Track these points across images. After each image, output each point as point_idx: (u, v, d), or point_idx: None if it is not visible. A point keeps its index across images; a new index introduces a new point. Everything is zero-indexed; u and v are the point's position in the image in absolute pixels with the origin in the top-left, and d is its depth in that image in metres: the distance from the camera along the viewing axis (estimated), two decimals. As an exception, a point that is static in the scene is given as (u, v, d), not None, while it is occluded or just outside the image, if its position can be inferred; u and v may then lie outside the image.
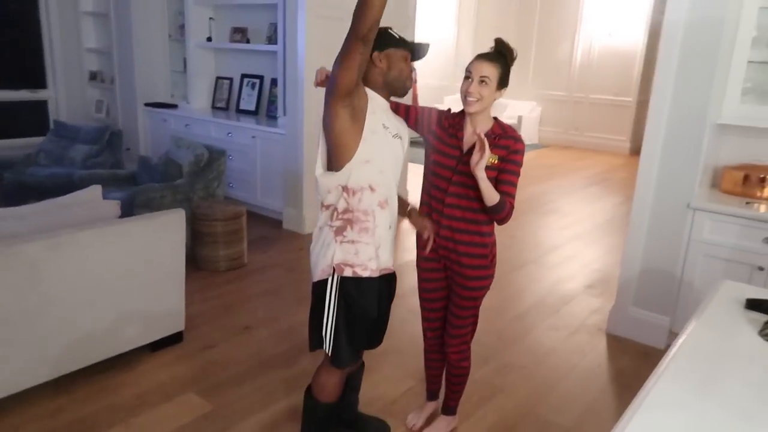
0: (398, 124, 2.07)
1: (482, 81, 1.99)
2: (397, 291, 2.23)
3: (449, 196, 2.11)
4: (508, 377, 3.00)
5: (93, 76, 7.10)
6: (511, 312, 3.74)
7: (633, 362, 3.21)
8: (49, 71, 6.69)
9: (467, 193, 2.06)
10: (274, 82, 5.76)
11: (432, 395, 2.61)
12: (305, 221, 5.01)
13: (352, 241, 1.96)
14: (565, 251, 4.95)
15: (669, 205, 3.21)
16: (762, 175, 3.12)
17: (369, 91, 1.95)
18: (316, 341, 2.09)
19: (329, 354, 2.06)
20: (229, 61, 6.23)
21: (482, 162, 1.92)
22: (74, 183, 4.51)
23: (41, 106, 6.72)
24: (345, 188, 1.93)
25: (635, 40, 9.76)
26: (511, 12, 10.91)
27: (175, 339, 3.13)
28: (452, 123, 2.14)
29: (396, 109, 2.11)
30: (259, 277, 4.13)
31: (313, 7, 4.63)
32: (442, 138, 2.14)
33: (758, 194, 3.13)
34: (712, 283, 2.14)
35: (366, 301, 2.00)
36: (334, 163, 1.94)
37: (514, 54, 2.05)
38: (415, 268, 2.35)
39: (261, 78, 5.91)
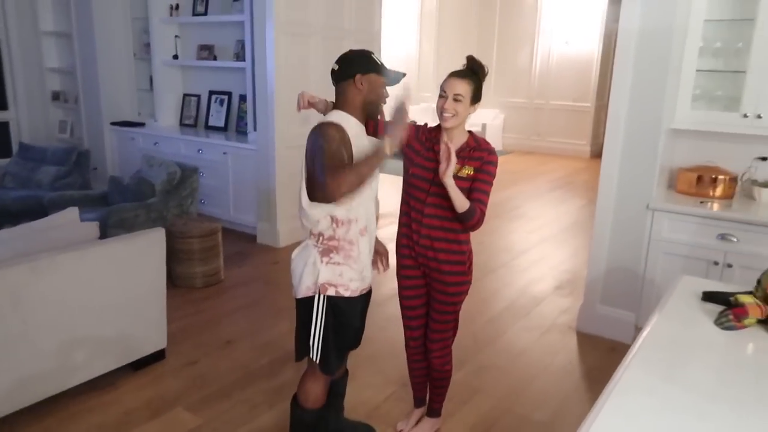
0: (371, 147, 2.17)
1: (456, 98, 2.11)
2: (374, 299, 2.34)
3: (428, 206, 2.22)
4: (485, 378, 3.12)
5: (56, 96, 7.02)
6: (484, 315, 3.86)
7: (602, 358, 3.37)
8: (10, 92, 6.60)
9: (445, 203, 2.17)
10: (242, 98, 5.81)
11: (419, 402, 2.69)
12: (279, 235, 5.07)
13: (338, 263, 2.08)
14: (533, 254, 5.12)
15: (630, 207, 3.38)
16: (713, 176, 3.32)
17: (345, 121, 2.02)
18: (302, 351, 2.19)
19: (318, 363, 2.15)
20: (196, 78, 6.26)
21: (449, 170, 2.03)
22: (44, 205, 4.48)
23: (3, 127, 6.61)
24: (334, 219, 2.05)
25: (591, 47, 10.11)
26: (471, 23, 11.17)
27: (157, 357, 3.16)
28: (429, 137, 2.25)
29: (375, 125, 2.21)
30: (236, 292, 4.17)
31: (281, 25, 4.72)
32: (420, 152, 2.24)
33: (711, 194, 3.33)
34: (672, 278, 2.30)
35: (350, 316, 2.14)
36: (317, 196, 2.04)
37: (486, 70, 2.18)
38: (394, 276, 2.45)
39: (229, 94, 5.95)
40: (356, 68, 2.01)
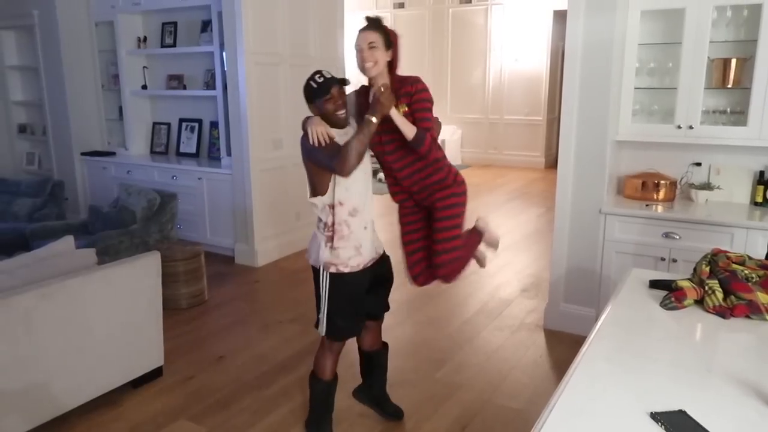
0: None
1: (371, 46, 2.37)
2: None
3: (395, 162, 2.52)
4: (465, 374, 3.40)
5: (22, 129, 7.07)
6: (459, 318, 4.16)
7: (568, 351, 3.69)
8: (-24, 127, 6.63)
9: (405, 149, 2.45)
10: (213, 124, 6.01)
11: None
12: (257, 255, 5.26)
13: (336, 248, 2.46)
14: (499, 261, 5.45)
15: (584, 212, 3.74)
16: (656, 181, 3.71)
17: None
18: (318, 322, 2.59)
19: (325, 330, 2.54)
20: (165, 107, 6.42)
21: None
22: (26, 237, 4.57)
23: (-31, 162, 6.62)
24: (330, 206, 2.44)
25: (539, 64, 10.67)
26: (425, 44, 11.61)
27: (155, 374, 3.32)
28: (365, 99, 2.48)
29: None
30: (222, 311, 4.35)
31: (250, 55, 4.97)
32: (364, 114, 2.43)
33: (655, 197, 3.71)
34: (623, 272, 2.63)
35: (352, 287, 2.51)
36: (317, 191, 2.43)
37: (383, 20, 2.45)
38: None
39: (200, 121, 6.14)
40: (306, 99, 2.41)
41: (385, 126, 2.39)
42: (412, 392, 3.18)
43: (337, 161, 2.27)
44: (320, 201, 2.44)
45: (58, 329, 2.73)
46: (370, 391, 2.97)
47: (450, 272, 2.66)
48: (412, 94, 2.41)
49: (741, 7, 3.39)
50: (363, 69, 2.41)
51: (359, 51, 2.39)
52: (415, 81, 2.45)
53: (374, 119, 2.28)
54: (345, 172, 2.29)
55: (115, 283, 3.00)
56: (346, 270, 2.48)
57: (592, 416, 1.41)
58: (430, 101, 2.43)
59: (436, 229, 2.58)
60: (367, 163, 2.49)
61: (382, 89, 2.29)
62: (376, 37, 2.37)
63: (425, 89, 2.44)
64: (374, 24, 2.41)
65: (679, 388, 1.54)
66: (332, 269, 2.47)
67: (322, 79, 2.35)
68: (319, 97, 2.34)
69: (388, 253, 2.72)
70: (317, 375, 2.67)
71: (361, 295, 2.56)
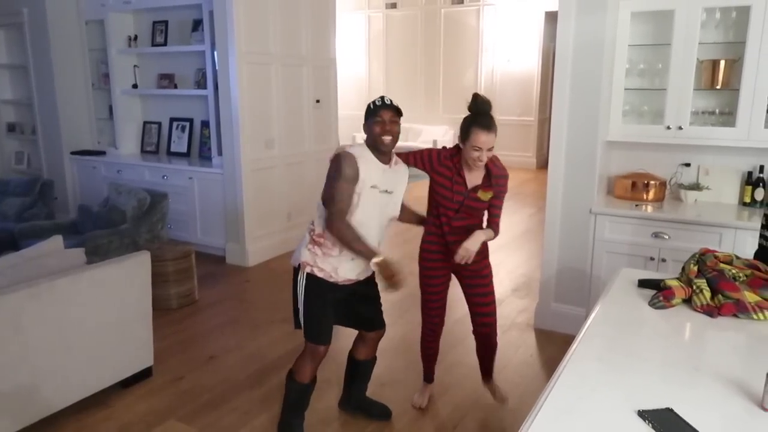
0: (392, 179, 2.52)
1: (490, 150, 2.51)
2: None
3: (456, 220, 2.69)
4: (456, 374, 3.41)
5: (11, 128, 7.01)
6: (450, 318, 4.11)
7: (559, 350, 3.70)
8: (-36, 125, 6.56)
9: (470, 216, 2.67)
10: (204, 124, 5.98)
11: (430, 378, 3.13)
12: (248, 255, 5.25)
13: (316, 254, 2.52)
14: (491, 261, 5.45)
15: (575, 212, 3.75)
16: (646, 182, 3.73)
17: (364, 157, 2.42)
18: (296, 322, 2.61)
19: (303, 330, 2.57)
20: (156, 106, 6.39)
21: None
22: (14, 236, 4.54)
23: (-43, 161, 6.56)
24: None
25: (531, 65, 10.70)
26: (417, 44, 11.63)
27: (144, 374, 3.31)
28: (454, 163, 2.62)
29: (406, 158, 2.67)
30: (212, 311, 4.33)
31: (242, 54, 4.95)
32: (447, 175, 2.63)
33: (644, 197, 3.73)
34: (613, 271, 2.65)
35: (322, 291, 2.53)
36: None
37: (491, 102, 2.59)
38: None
39: (191, 121, 6.11)
40: (365, 116, 2.46)
41: (465, 205, 2.65)
42: (402, 392, 3.18)
43: (334, 217, 2.37)
44: (324, 211, 2.48)
45: (47, 329, 2.71)
46: (349, 398, 2.99)
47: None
48: (501, 186, 2.69)
49: (729, 9, 3.42)
50: (473, 165, 2.57)
51: (476, 150, 2.49)
52: (505, 176, 2.70)
53: (372, 266, 2.42)
54: (330, 230, 2.42)
55: (104, 283, 2.98)
56: (321, 275, 2.52)
57: (581, 414, 1.42)
58: (507, 190, 2.75)
59: (482, 300, 2.92)
60: (385, 218, 2.57)
61: (395, 279, 2.43)
62: (494, 140, 2.49)
63: (507, 177, 2.71)
64: (494, 123, 2.49)
65: (667, 386, 1.56)
66: (308, 269, 2.52)
67: (380, 102, 2.43)
68: (371, 116, 2.41)
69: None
70: (294, 377, 2.66)
71: (331, 302, 2.58)
